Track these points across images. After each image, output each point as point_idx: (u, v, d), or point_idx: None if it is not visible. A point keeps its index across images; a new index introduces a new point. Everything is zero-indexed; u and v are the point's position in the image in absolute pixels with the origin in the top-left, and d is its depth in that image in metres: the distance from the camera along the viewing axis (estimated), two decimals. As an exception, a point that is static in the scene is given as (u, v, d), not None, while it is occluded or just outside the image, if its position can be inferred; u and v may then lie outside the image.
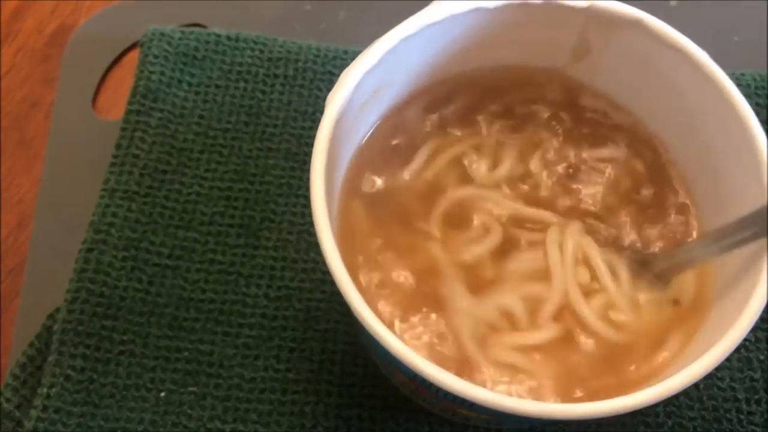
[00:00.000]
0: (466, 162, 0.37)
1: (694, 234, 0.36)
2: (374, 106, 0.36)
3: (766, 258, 0.30)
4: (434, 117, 0.38)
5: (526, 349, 0.33)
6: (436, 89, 0.38)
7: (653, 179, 0.37)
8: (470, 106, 0.38)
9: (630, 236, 0.36)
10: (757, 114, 0.44)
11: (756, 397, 0.40)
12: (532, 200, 0.36)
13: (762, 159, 0.32)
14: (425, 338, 0.34)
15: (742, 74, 0.47)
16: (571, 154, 0.38)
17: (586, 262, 0.35)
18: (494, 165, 0.37)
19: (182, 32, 0.48)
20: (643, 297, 0.34)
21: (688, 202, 0.37)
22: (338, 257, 0.30)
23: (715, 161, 0.35)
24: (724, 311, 0.32)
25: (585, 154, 0.38)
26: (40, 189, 0.46)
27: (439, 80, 0.38)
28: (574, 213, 0.36)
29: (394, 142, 0.37)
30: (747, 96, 0.45)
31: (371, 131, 0.37)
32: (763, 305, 0.30)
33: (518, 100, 0.38)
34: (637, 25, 0.35)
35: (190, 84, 0.47)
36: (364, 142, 0.37)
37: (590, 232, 0.36)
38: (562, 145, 0.38)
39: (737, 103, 0.33)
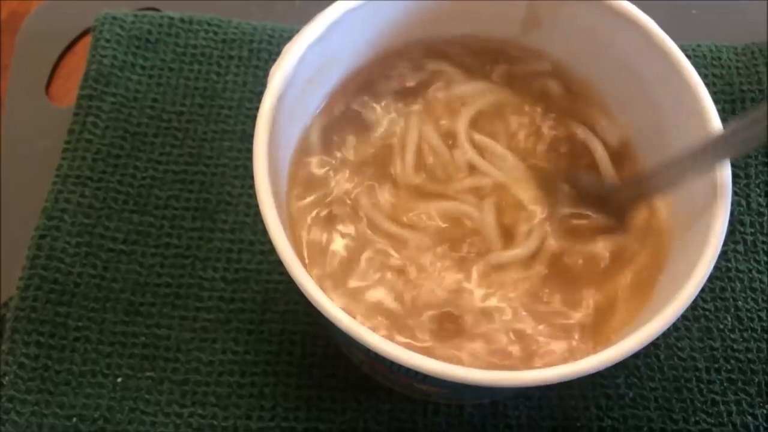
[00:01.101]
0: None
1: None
2: (322, 80, 0.36)
3: (715, 224, 0.30)
4: (384, 90, 0.38)
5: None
6: (387, 62, 0.38)
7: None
8: (420, 79, 0.38)
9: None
10: (713, 84, 0.44)
11: (716, 366, 0.40)
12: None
13: (705, 105, 0.32)
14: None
15: (698, 45, 0.47)
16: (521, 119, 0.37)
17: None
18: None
19: (135, 16, 0.47)
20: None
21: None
22: (284, 236, 0.29)
23: (662, 121, 0.35)
24: (678, 268, 0.32)
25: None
26: (-7, 179, 0.45)
27: (389, 53, 0.38)
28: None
29: (346, 116, 0.37)
30: (703, 66, 0.45)
31: (322, 107, 0.37)
32: (708, 273, 0.29)
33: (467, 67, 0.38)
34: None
35: (143, 67, 0.46)
36: (314, 118, 0.37)
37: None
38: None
39: (680, 64, 0.33)
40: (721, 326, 0.41)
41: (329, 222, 0.35)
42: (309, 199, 0.36)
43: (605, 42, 0.36)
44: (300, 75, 0.33)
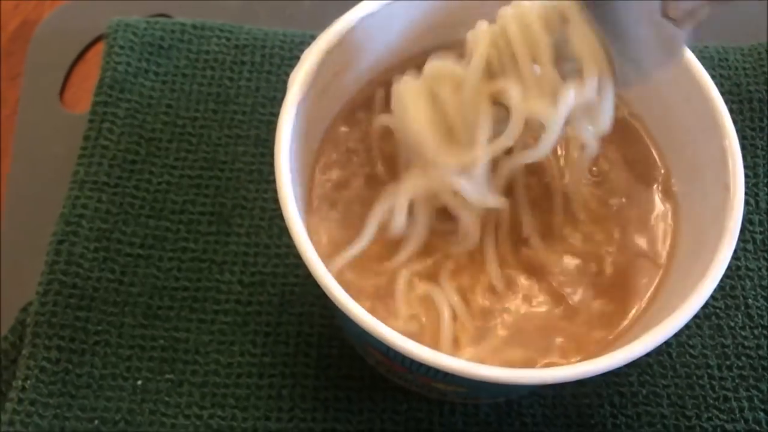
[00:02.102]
0: None
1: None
2: (338, 86, 0.36)
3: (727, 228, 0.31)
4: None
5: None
6: (401, 69, 0.38)
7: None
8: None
9: None
10: (721, 85, 0.45)
11: (727, 363, 0.41)
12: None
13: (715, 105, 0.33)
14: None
15: (705, 47, 0.48)
16: None
17: None
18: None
19: (147, 22, 0.48)
20: None
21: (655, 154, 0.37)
22: (306, 235, 0.30)
23: (674, 119, 0.36)
24: (689, 269, 0.32)
25: None
26: (8, 185, 0.46)
27: (403, 59, 0.38)
28: None
29: (362, 125, 0.38)
30: (710, 68, 0.46)
31: (339, 113, 0.37)
32: (724, 269, 0.30)
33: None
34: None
35: (156, 74, 0.47)
36: (331, 124, 0.37)
37: None
38: None
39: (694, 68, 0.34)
40: (732, 324, 0.41)
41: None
42: (325, 210, 0.36)
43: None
44: (318, 80, 0.33)
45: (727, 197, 0.31)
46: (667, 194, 0.36)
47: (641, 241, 0.36)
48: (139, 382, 0.39)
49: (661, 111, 0.36)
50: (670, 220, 0.36)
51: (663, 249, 0.35)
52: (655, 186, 0.37)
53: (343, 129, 0.37)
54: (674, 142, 0.36)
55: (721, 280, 0.42)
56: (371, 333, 0.29)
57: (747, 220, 0.43)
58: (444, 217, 0.34)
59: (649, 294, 0.34)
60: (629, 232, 0.36)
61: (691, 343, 0.41)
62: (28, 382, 0.38)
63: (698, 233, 0.33)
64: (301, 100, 0.32)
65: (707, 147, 0.33)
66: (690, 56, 0.34)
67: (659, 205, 0.36)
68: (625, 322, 0.34)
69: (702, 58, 0.46)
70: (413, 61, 0.38)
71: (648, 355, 0.40)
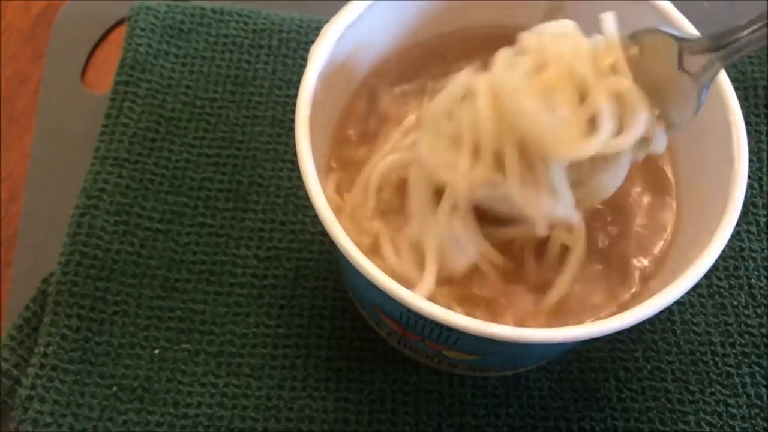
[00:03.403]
0: None
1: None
2: (355, 64, 0.37)
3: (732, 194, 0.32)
4: (414, 78, 0.39)
5: None
6: (414, 50, 0.40)
7: None
8: (446, 68, 0.40)
9: None
10: (726, 73, 0.46)
11: (730, 340, 0.42)
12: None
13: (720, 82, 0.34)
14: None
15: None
16: None
17: None
18: None
19: (168, 6, 0.49)
20: None
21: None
22: (326, 204, 0.31)
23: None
24: (694, 239, 0.33)
25: None
26: (30, 162, 0.47)
27: (416, 41, 0.39)
28: None
29: (375, 105, 0.39)
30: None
31: (355, 88, 0.39)
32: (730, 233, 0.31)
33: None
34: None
35: (176, 56, 0.48)
36: (349, 99, 0.38)
37: None
38: None
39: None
40: (735, 303, 0.42)
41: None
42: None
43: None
44: (337, 55, 0.34)
45: (732, 169, 0.32)
46: (674, 169, 0.37)
47: (646, 216, 0.37)
48: (157, 351, 0.40)
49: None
50: (674, 196, 0.37)
51: (668, 221, 0.36)
52: (660, 162, 0.38)
53: (360, 105, 0.38)
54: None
55: (725, 261, 0.43)
56: (387, 293, 0.30)
57: (751, 203, 0.45)
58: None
59: (653, 262, 0.35)
60: (633, 208, 0.37)
61: (695, 321, 0.42)
62: (50, 348, 0.39)
63: (702, 207, 0.34)
64: (320, 72, 0.33)
65: (712, 123, 0.34)
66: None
67: (664, 180, 0.37)
68: (633, 289, 0.35)
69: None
70: (429, 41, 0.39)
71: (653, 331, 0.41)
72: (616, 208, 0.37)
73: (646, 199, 0.37)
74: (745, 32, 0.29)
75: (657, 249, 0.36)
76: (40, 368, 0.39)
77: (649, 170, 0.37)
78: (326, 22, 0.49)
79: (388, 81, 0.39)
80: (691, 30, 0.35)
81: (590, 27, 0.38)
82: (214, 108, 0.47)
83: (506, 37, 0.40)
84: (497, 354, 0.35)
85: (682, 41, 0.30)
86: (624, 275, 0.35)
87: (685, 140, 0.36)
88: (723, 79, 0.34)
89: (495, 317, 0.34)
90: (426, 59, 0.40)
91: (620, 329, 0.30)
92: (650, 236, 0.36)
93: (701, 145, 0.35)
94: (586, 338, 0.29)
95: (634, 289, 0.35)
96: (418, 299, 0.29)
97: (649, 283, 0.35)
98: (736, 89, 0.46)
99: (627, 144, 0.30)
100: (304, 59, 0.49)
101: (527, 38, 0.32)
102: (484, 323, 0.29)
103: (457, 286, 0.34)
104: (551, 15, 0.40)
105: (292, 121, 0.46)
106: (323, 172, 0.36)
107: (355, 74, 0.38)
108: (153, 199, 0.44)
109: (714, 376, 0.41)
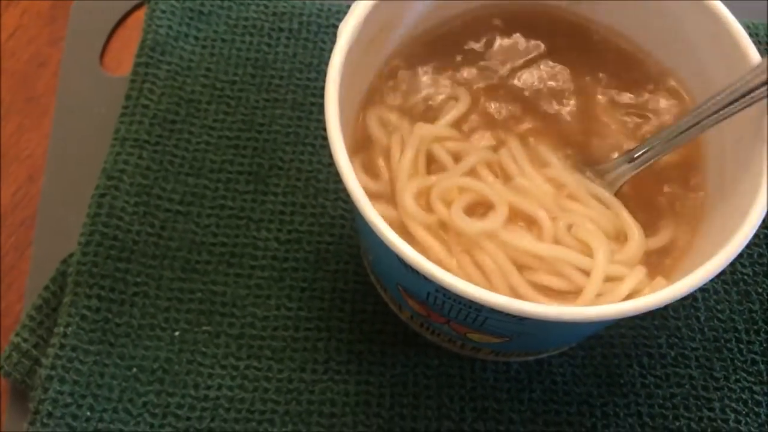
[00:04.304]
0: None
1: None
2: (382, 43, 0.37)
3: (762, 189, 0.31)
4: (440, 55, 0.39)
5: None
6: (440, 29, 0.39)
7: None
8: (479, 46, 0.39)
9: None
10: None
11: (755, 327, 0.41)
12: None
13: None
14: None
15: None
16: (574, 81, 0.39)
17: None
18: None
19: (188, -12, 0.49)
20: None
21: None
22: (356, 179, 0.30)
23: (707, 75, 0.37)
24: (722, 221, 0.33)
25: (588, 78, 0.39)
26: (50, 143, 0.47)
27: (443, 19, 0.39)
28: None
29: (403, 83, 0.38)
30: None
31: (381, 68, 0.38)
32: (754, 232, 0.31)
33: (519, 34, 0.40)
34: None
35: (196, 38, 0.48)
36: (375, 78, 0.38)
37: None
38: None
39: (731, 26, 0.34)
40: (760, 290, 0.42)
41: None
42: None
43: (655, 9, 0.37)
44: (365, 33, 0.34)
45: (764, 144, 0.32)
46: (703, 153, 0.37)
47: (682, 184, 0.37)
48: (177, 333, 0.40)
49: (697, 67, 0.37)
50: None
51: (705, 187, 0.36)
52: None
53: (388, 83, 0.38)
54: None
55: (749, 248, 0.43)
56: (420, 271, 0.29)
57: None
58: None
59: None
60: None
61: (719, 307, 0.42)
62: (69, 329, 0.39)
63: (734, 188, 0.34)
64: (349, 50, 0.33)
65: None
66: (728, 16, 0.35)
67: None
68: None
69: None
70: (452, 20, 0.39)
71: (676, 318, 0.41)
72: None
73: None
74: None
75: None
76: (60, 348, 0.38)
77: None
78: (347, 6, 0.49)
79: (413, 61, 0.39)
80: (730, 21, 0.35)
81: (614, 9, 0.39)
82: (234, 91, 0.47)
83: (530, 14, 0.40)
84: (525, 335, 0.34)
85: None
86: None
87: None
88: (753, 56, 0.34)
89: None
90: (450, 38, 0.40)
91: (659, 306, 0.29)
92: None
93: (733, 126, 0.35)
94: (626, 316, 0.29)
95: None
96: (450, 276, 0.29)
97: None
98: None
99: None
100: (325, 43, 0.48)
101: None
102: (518, 301, 0.29)
103: None
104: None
105: (313, 104, 0.46)
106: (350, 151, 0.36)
107: (380, 54, 0.38)
108: (173, 180, 0.43)
109: (739, 363, 0.40)
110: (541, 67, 0.39)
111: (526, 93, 0.38)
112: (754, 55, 0.34)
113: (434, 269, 0.29)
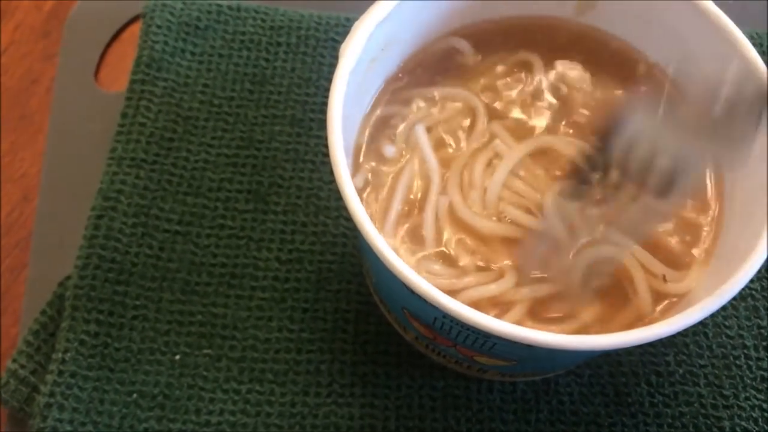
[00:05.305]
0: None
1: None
2: (383, 62, 0.36)
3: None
4: (442, 71, 0.38)
5: None
6: (443, 44, 0.39)
7: None
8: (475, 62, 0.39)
9: None
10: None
11: (764, 343, 0.41)
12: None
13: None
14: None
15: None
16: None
17: None
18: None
19: (184, 3, 0.48)
20: None
21: None
22: (361, 206, 0.30)
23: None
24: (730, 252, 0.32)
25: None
26: (44, 162, 0.46)
27: (445, 35, 0.38)
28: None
29: (405, 97, 0.38)
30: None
31: (382, 87, 0.38)
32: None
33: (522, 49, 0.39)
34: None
35: (193, 53, 0.47)
36: (375, 99, 0.37)
37: None
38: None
39: (737, 40, 0.34)
40: (768, 305, 0.42)
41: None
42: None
43: (658, 20, 0.37)
44: (367, 53, 0.33)
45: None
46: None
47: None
48: (178, 357, 0.39)
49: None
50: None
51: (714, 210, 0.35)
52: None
53: (388, 100, 0.37)
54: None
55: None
56: (429, 301, 0.29)
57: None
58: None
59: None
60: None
61: (727, 324, 0.41)
62: (68, 354, 0.38)
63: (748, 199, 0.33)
64: (352, 70, 0.32)
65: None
66: (740, 36, 0.34)
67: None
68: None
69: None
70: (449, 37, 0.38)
71: (684, 335, 0.40)
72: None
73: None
74: None
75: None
76: (59, 375, 0.38)
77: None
78: (345, 18, 0.49)
79: (414, 80, 0.38)
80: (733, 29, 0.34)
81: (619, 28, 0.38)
82: (233, 107, 0.46)
83: (534, 30, 0.39)
84: (533, 359, 0.34)
85: None
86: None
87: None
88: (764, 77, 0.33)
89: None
90: (450, 54, 0.39)
91: (670, 334, 0.29)
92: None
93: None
94: (637, 344, 0.28)
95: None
96: (458, 305, 0.28)
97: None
98: None
99: None
100: (324, 57, 0.48)
101: None
102: (530, 330, 0.28)
103: None
104: (582, 11, 0.39)
105: (312, 120, 0.46)
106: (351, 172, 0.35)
107: (383, 73, 0.37)
108: (171, 200, 0.43)
109: (748, 381, 0.40)
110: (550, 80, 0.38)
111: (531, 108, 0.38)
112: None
113: (442, 297, 0.28)
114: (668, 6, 0.36)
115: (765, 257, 0.30)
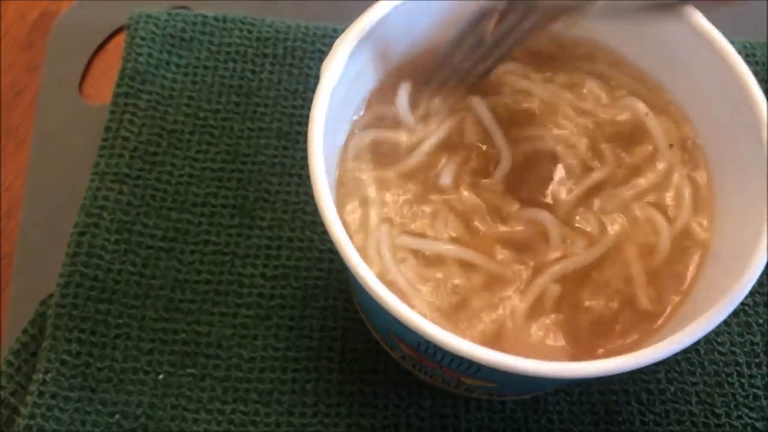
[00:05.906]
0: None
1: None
2: (367, 76, 0.36)
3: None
4: (427, 87, 0.38)
5: None
6: (426, 59, 0.38)
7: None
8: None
9: None
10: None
11: (756, 360, 0.40)
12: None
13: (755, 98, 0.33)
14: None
15: (732, 42, 0.47)
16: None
17: None
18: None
19: (169, 14, 0.47)
20: None
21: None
22: (344, 232, 0.29)
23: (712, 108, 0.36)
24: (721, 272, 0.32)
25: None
26: (27, 176, 0.45)
27: (429, 49, 0.38)
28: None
29: (389, 113, 0.37)
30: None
31: (367, 104, 0.37)
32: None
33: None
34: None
35: (178, 65, 0.46)
36: (360, 113, 0.37)
37: None
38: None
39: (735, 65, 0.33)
40: (761, 321, 0.41)
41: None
42: (352, 205, 0.35)
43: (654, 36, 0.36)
44: (349, 69, 0.33)
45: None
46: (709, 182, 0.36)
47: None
48: (161, 376, 0.39)
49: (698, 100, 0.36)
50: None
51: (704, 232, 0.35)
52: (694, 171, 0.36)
53: (370, 116, 0.37)
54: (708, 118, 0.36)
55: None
56: (407, 325, 0.28)
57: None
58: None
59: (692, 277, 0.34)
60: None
61: (719, 340, 0.41)
62: (49, 375, 0.38)
63: (739, 216, 0.33)
64: (334, 87, 0.32)
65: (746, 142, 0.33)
66: (723, 41, 0.34)
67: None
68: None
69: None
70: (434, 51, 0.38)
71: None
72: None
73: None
74: None
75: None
76: (39, 396, 0.37)
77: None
78: (332, 29, 0.48)
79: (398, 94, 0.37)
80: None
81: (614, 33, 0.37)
82: (218, 120, 0.45)
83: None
84: (519, 382, 0.33)
85: None
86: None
87: (721, 158, 0.35)
88: (756, 94, 0.33)
89: None
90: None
91: (658, 360, 0.28)
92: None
93: (737, 162, 0.33)
94: (622, 372, 0.28)
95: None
96: (441, 332, 0.28)
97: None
98: None
99: None
100: (310, 68, 0.47)
101: None
102: (512, 358, 0.27)
103: None
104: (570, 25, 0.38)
105: (299, 133, 0.45)
106: (334, 190, 0.35)
107: (366, 87, 0.36)
108: (155, 216, 0.42)
109: (740, 398, 0.39)
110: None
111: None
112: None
113: (426, 325, 0.28)
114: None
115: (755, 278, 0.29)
